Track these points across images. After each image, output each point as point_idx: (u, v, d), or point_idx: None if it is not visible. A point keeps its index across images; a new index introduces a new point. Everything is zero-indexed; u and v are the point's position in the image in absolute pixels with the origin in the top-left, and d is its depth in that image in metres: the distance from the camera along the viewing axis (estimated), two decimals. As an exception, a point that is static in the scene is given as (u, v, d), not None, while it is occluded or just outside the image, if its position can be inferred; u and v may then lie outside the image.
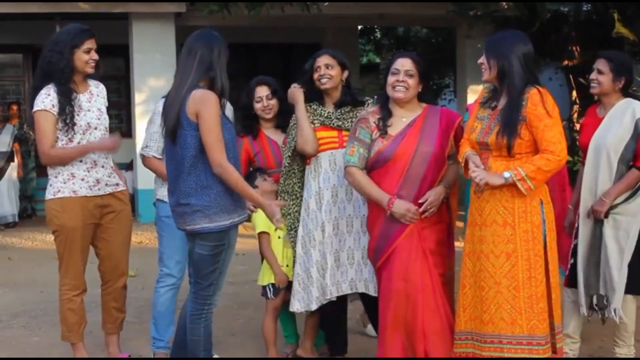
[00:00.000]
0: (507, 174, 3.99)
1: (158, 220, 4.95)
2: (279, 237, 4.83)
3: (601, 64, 4.65)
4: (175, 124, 4.03)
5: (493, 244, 4.06)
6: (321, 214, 4.70)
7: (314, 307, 4.73)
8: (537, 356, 4.00)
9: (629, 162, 4.57)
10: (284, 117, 4.97)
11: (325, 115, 4.75)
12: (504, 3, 11.63)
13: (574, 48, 13.09)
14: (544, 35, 13.39)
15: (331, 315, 4.84)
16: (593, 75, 4.68)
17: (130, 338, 5.36)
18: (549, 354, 4.05)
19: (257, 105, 4.99)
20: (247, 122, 5.04)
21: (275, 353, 4.91)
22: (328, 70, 4.73)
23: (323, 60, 4.75)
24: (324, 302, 4.73)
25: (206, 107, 3.97)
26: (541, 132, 3.97)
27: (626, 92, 4.66)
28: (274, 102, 4.99)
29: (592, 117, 4.78)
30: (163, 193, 4.79)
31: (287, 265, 4.86)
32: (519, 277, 4.02)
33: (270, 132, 5.04)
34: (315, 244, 4.71)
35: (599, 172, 4.59)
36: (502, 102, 4.10)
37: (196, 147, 3.99)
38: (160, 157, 4.82)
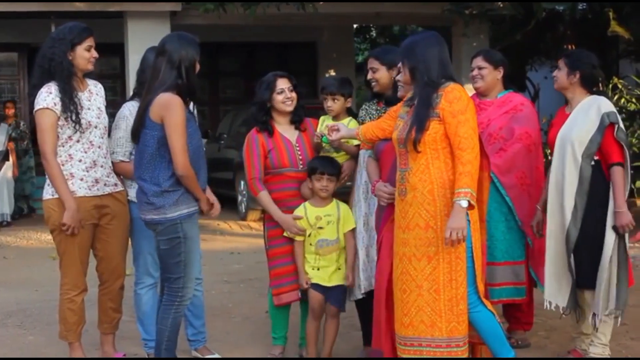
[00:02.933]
0: (464, 204, 3.94)
1: (130, 221, 4.90)
2: (311, 244, 4.79)
3: (559, 62, 4.84)
4: (139, 124, 4.34)
5: (415, 247, 4.09)
6: (362, 205, 4.81)
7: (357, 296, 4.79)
8: (456, 357, 4.06)
9: (592, 155, 4.57)
10: (298, 113, 4.95)
11: None
12: (500, 2, 11.65)
13: (570, 47, 13.11)
14: (540, 34, 13.43)
15: (366, 307, 4.77)
16: (554, 73, 4.87)
17: (125, 337, 5.35)
18: (466, 354, 4.11)
19: (279, 97, 4.86)
20: (262, 118, 4.93)
21: (315, 353, 4.84)
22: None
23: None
24: (359, 297, 4.76)
25: (171, 112, 4.21)
26: (454, 128, 4.02)
27: (591, 90, 4.75)
28: (294, 95, 4.91)
29: (560, 116, 4.88)
30: (132, 194, 4.82)
31: (339, 269, 4.81)
32: (439, 279, 4.05)
33: (284, 129, 4.93)
34: (355, 235, 4.82)
35: (565, 166, 4.61)
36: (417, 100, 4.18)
37: (154, 146, 4.27)
38: (128, 160, 4.83)
